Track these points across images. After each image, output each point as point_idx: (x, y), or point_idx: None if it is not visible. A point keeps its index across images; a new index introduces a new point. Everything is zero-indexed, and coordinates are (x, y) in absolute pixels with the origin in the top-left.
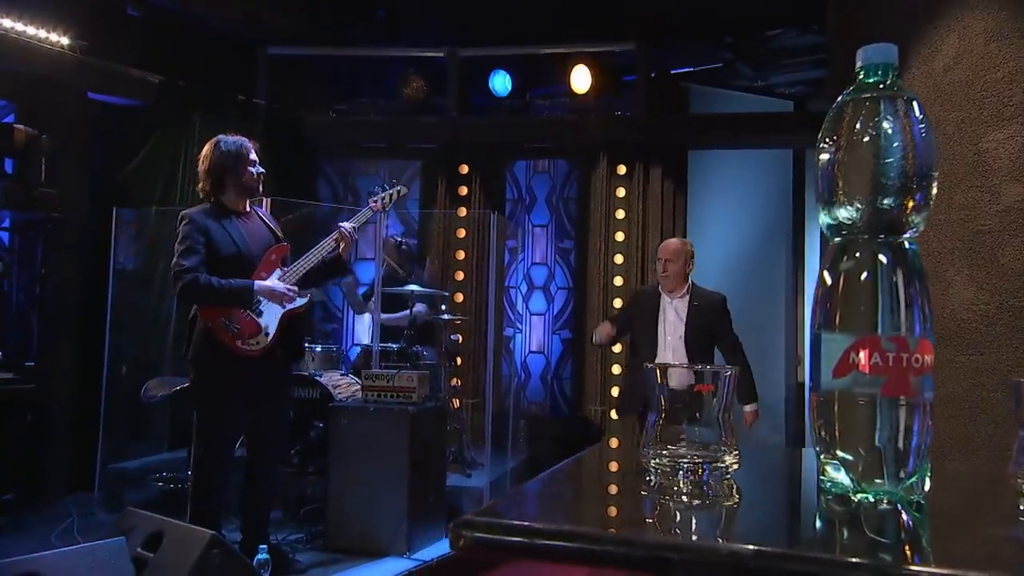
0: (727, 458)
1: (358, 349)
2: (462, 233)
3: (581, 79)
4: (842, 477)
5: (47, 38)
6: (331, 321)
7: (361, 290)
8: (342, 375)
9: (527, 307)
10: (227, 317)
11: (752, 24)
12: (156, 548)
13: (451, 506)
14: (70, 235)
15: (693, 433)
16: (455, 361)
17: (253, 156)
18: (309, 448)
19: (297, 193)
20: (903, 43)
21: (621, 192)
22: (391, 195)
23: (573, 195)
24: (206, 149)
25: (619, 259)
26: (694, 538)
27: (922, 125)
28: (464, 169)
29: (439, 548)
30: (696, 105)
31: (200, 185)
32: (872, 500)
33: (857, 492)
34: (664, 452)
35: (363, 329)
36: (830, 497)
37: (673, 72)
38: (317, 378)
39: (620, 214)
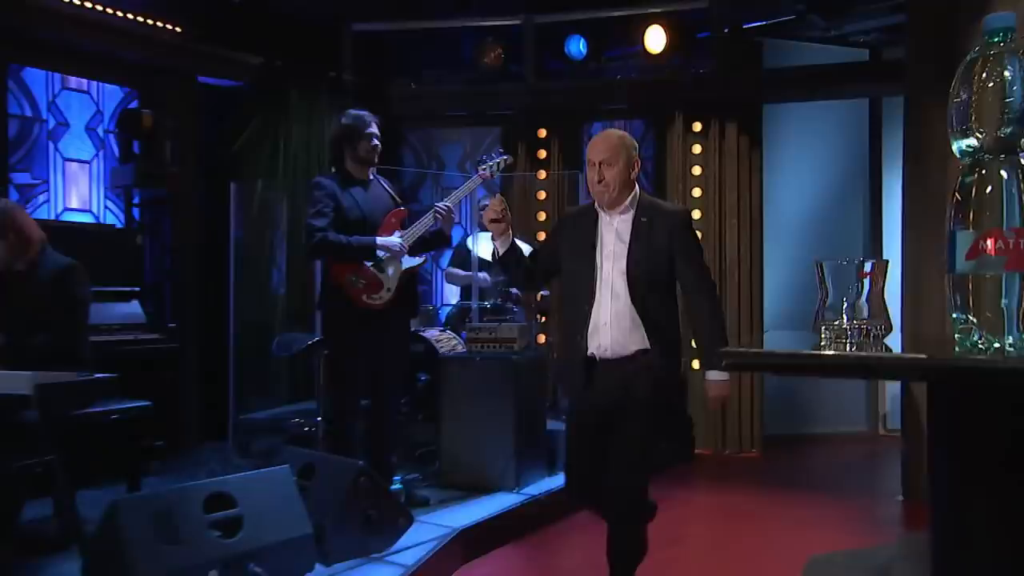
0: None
1: (448, 308)
2: (543, 195)
3: (655, 39)
4: (974, 336)
5: (163, 28)
6: (421, 283)
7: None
8: (440, 331)
9: None
10: (354, 274)
11: None
12: (310, 477)
13: (550, 448)
14: (192, 209)
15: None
16: (541, 318)
17: (371, 130)
18: (418, 397)
19: (384, 162)
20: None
21: (697, 149)
22: (498, 163)
23: (649, 153)
24: (342, 123)
25: (696, 214)
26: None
27: None
28: (543, 133)
29: (544, 484)
30: (770, 58)
31: (328, 149)
32: (997, 347)
33: (987, 347)
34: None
35: (451, 290)
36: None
37: (746, 27)
38: (421, 333)
39: (696, 170)
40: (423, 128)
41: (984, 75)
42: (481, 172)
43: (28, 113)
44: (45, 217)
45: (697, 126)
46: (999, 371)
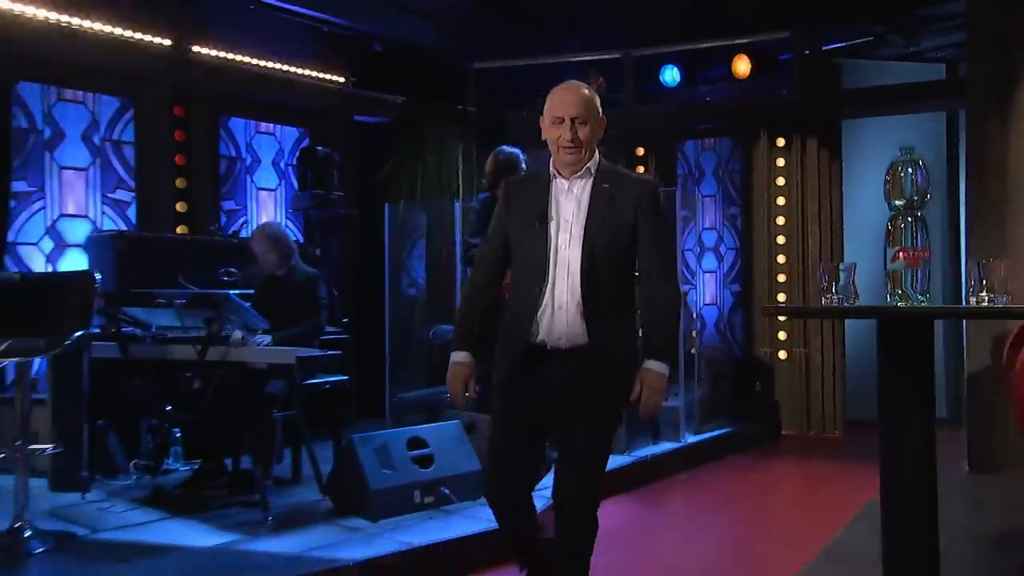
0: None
1: None
2: None
3: (741, 66)
4: (895, 299)
5: (328, 79)
6: None
7: None
8: None
9: (700, 266)
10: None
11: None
12: (472, 432)
13: (657, 424)
14: (353, 227)
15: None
16: None
17: (522, 166)
18: None
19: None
20: None
21: (780, 162)
22: None
23: (737, 168)
24: (490, 156)
25: (780, 220)
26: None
27: None
28: (640, 151)
29: (647, 450)
30: (849, 76)
31: (485, 180)
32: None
33: (900, 302)
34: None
35: None
36: None
37: (826, 48)
38: None
39: (780, 181)
40: (535, 151)
41: (896, 172)
42: None
43: (232, 153)
44: (244, 235)
45: (780, 142)
46: (902, 311)
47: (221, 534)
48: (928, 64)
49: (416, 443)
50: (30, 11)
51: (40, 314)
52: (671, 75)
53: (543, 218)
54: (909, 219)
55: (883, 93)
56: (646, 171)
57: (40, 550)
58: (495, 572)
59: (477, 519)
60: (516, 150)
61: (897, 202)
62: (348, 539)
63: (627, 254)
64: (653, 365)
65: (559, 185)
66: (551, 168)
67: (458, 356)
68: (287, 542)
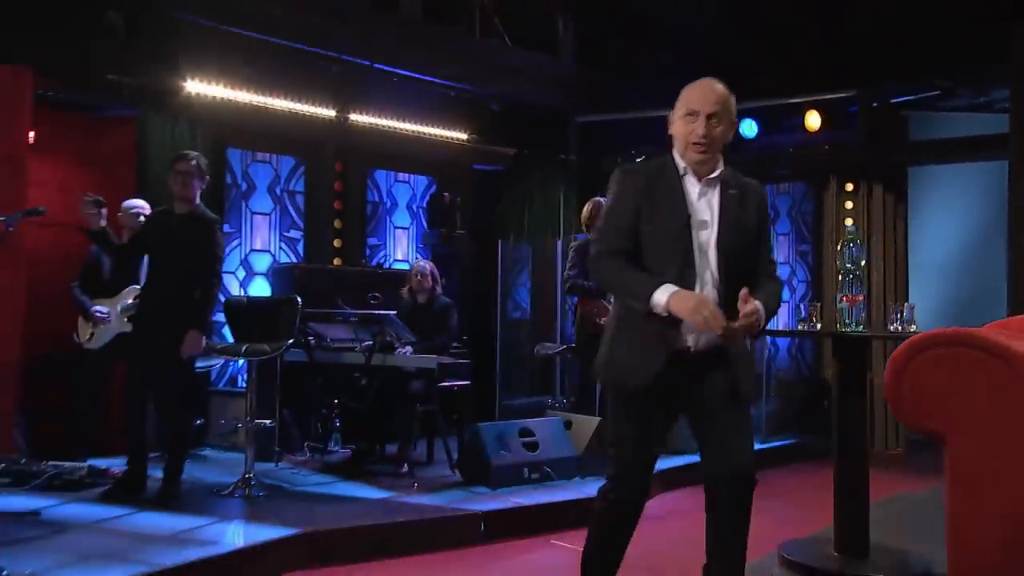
0: None
1: None
2: None
3: (813, 120)
4: (843, 327)
5: (453, 137)
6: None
7: None
8: None
9: None
10: (595, 306)
11: (966, 59)
12: (569, 428)
13: None
14: (471, 259)
15: None
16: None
17: None
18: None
19: None
20: None
21: (849, 204)
22: None
23: (809, 209)
24: (588, 203)
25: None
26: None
27: None
28: None
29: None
30: (918, 126)
31: (584, 224)
32: None
33: (844, 328)
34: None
35: None
36: None
37: (894, 101)
38: None
39: (848, 221)
40: None
41: (842, 245)
42: None
43: (376, 199)
44: (386, 266)
45: (849, 187)
46: (845, 335)
47: (380, 491)
48: (997, 115)
49: (526, 432)
50: (234, 95)
51: (265, 327)
52: (749, 128)
53: (687, 221)
54: (850, 277)
55: (941, 146)
56: None
57: (260, 494)
58: (581, 530)
59: (569, 491)
60: (601, 199)
61: (846, 265)
62: (475, 498)
63: (751, 255)
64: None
65: (691, 185)
66: (679, 165)
67: (668, 289)
68: (429, 499)
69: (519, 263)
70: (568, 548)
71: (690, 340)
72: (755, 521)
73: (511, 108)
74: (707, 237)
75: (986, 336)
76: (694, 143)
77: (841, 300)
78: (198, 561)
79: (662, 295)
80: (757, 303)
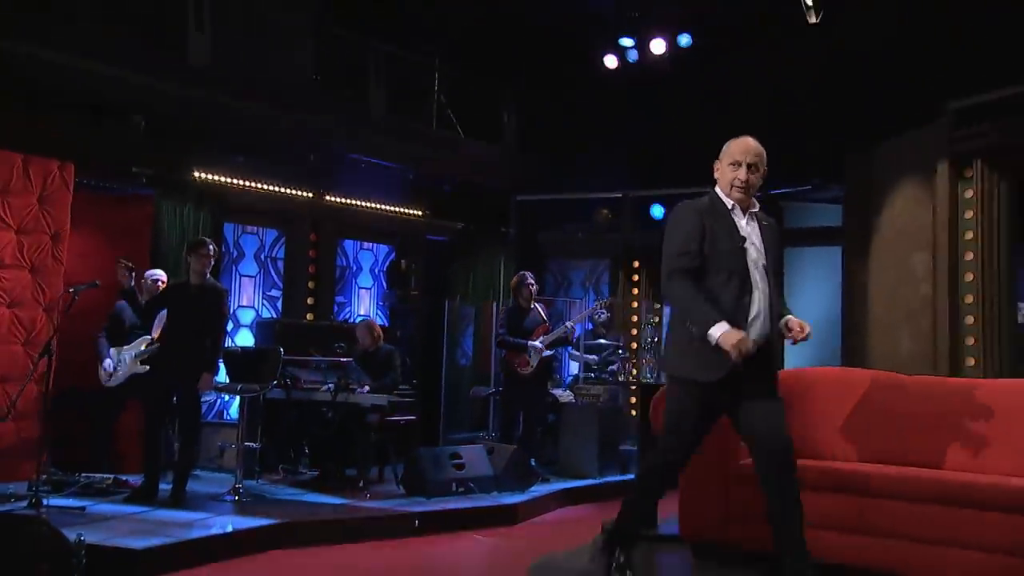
0: None
1: (568, 377)
2: (635, 304)
3: None
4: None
5: (410, 212)
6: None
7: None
8: (562, 391)
9: None
10: (517, 357)
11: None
12: (491, 453)
13: (623, 458)
14: (423, 316)
15: None
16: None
17: (529, 282)
18: (546, 426)
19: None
20: None
21: None
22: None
23: None
24: (515, 276)
25: None
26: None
27: None
28: (636, 264)
29: (616, 476)
30: (793, 215)
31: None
32: None
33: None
34: None
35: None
36: None
37: (772, 192)
38: (552, 391)
39: None
40: (560, 260)
41: (594, 311)
42: (596, 308)
43: (344, 264)
44: (350, 320)
45: None
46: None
47: (341, 499)
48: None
49: (455, 456)
50: (229, 180)
51: (255, 370)
52: (659, 210)
53: (742, 243)
54: (599, 332)
55: (797, 233)
56: (639, 280)
57: (247, 499)
58: (496, 530)
59: (486, 500)
60: (525, 272)
61: (597, 326)
62: (413, 504)
63: (780, 274)
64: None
65: (737, 217)
66: (726, 201)
67: (723, 325)
68: (378, 504)
69: (465, 319)
70: (484, 540)
71: (755, 333)
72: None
73: (461, 188)
74: (756, 256)
75: None
76: (736, 185)
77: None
78: (207, 537)
79: (716, 331)
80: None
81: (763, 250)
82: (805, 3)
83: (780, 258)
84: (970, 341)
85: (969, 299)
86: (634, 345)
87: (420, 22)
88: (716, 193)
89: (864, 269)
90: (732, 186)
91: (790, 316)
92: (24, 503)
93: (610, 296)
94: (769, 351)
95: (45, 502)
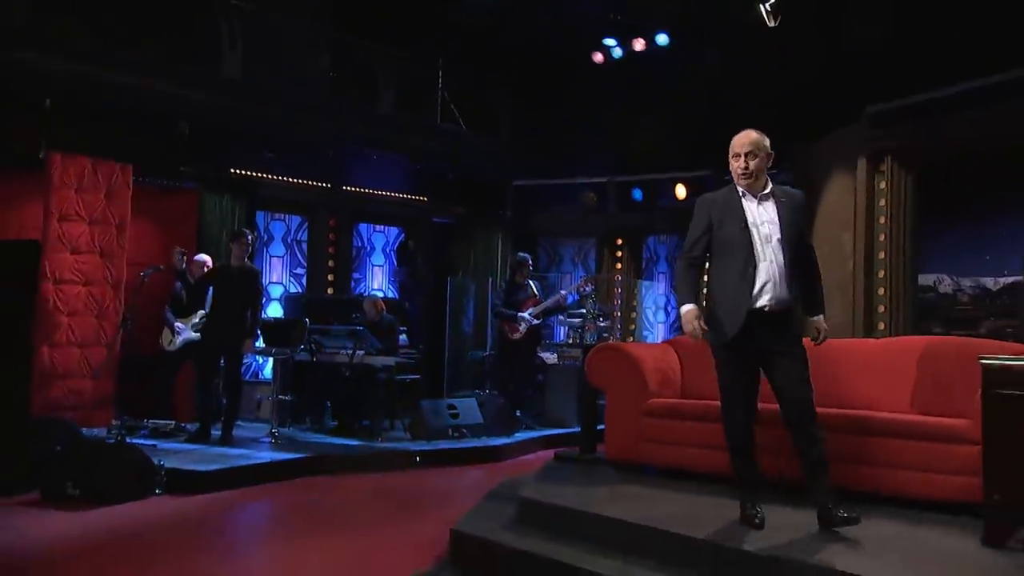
0: None
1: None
2: (619, 277)
3: (680, 191)
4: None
5: (416, 198)
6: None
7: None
8: (549, 354)
9: (656, 319)
10: (508, 325)
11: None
12: (482, 405)
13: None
14: (429, 290)
15: None
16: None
17: (528, 263)
18: (536, 384)
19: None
20: None
21: None
22: (581, 287)
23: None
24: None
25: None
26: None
27: None
28: (620, 241)
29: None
30: None
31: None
32: None
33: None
34: None
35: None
36: None
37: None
38: (540, 354)
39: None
40: (551, 239)
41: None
42: (583, 283)
43: (359, 244)
44: (365, 294)
45: None
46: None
47: (358, 442)
48: None
49: (451, 407)
50: (260, 175)
51: (286, 337)
52: (639, 194)
53: (746, 223)
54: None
55: None
56: (622, 256)
57: (281, 440)
58: (482, 465)
59: (476, 443)
60: (524, 255)
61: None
62: (417, 445)
63: (801, 242)
64: (821, 319)
65: (748, 201)
66: (737, 190)
67: (689, 306)
68: (387, 444)
69: (467, 293)
70: (475, 474)
71: (762, 301)
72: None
73: (462, 175)
74: (768, 232)
75: (620, 345)
76: (739, 174)
77: (587, 328)
78: (254, 465)
79: (683, 311)
80: (823, 326)
81: (779, 225)
82: (765, 9)
83: (796, 226)
84: (881, 309)
85: (881, 273)
86: (618, 313)
87: (424, 27)
88: (733, 183)
89: None
90: (737, 175)
91: (815, 320)
92: (112, 440)
93: (596, 270)
94: (787, 313)
95: (127, 440)
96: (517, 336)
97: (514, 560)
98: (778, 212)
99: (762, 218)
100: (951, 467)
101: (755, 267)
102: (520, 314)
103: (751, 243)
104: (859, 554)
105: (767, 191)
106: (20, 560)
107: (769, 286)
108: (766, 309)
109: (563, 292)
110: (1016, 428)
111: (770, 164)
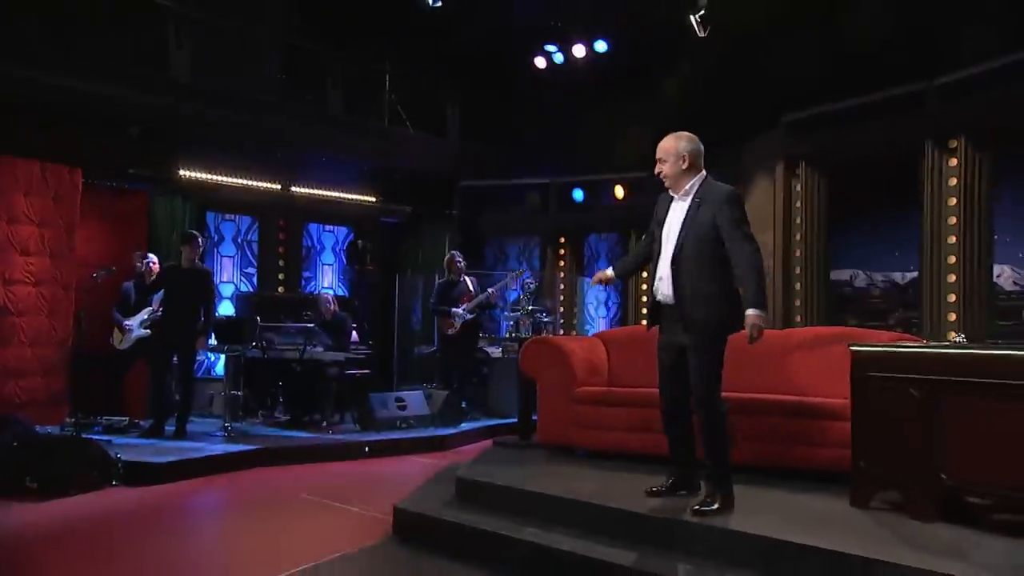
0: None
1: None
2: (562, 274)
3: (619, 191)
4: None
5: (365, 199)
6: (491, 321)
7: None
8: (493, 348)
9: (597, 314)
10: (444, 321)
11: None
12: (430, 397)
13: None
14: (378, 288)
15: None
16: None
17: (458, 261)
18: (478, 375)
19: (474, 261)
20: None
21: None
22: (518, 276)
23: (620, 254)
24: (447, 255)
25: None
26: None
27: None
28: (562, 240)
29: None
30: None
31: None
32: None
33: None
34: None
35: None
36: None
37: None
38: (484, 348)
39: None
40: (497, 238)
41: (514, 276)
42: (511, 278)
43: (309, 244)
44: (315, 292)
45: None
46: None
47: (306, 435)
48: None
49: (399, 400)
50: (210, 176)
51: (237, 333)
52: (579, 195)
53: (660, 224)
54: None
55: None
56: (564, 254)
57: (234, 434)
58: (429, 454)
59: (423, 433)
60: (454, 252)
61: (526, 293)
62: (365, 435)
63: (708, 240)
64: (751, 312)
65: (675, 202)
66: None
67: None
68: (336, 436)
69: (414, 291)
70: (421, 462)
71: (659, 296)
72: None
73: (410, 176)
74: (668, 231)
75: (550, 338)
76: (659, 178)
77: (524, 323)
78: (208, 456)
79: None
80: (749, 321)
81: (680, 225)
82: (695, 20)
83: (706, 225)
84: (797, 303)
85: (798, 270)
86: (562, 308)
87: (372, 31)
88: None
89: None
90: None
91: (746, 315)
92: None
93: (540, 267)
94: (678, 306)
95: (82, 435)
96: (452, 331)
97: (450, 532)
98: (687, 212)
99: (673, 217)
100: (829, 441)
101: (656, 263)
102: (454, 310)
103: (659, 241)
104: (745, 515)
105: (687, 191)
106: None
107: (662, 283)
108: (663, 303)
109: (491, 289)
110: (878, 404)
111: (686, 166)
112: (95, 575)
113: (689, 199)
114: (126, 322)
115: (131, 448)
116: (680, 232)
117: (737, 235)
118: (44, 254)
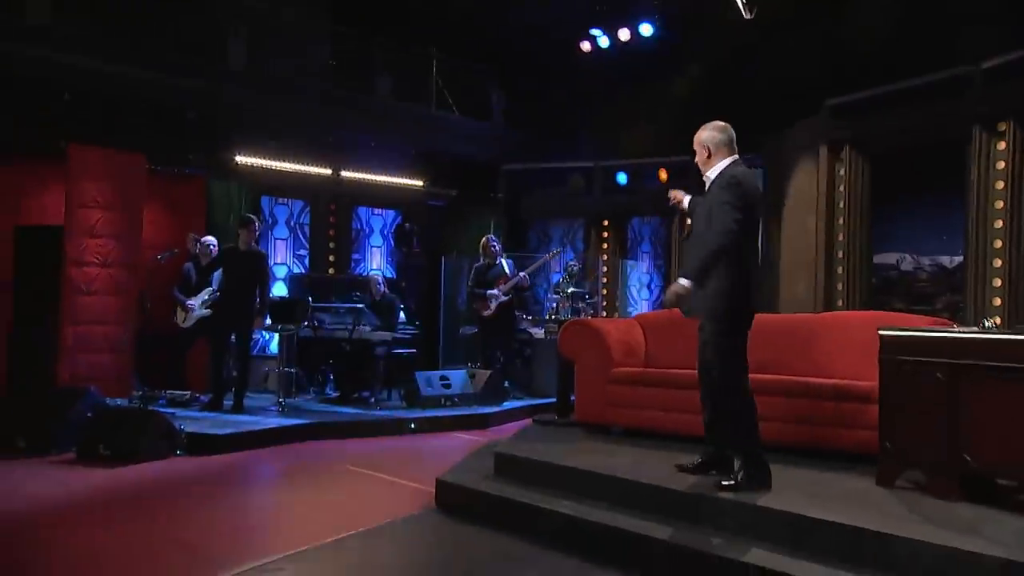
0: None
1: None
2: (606, 256)
3: (663, 175)
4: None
5: (413, 183)
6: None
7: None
8: (536, 329)
9: (640, 296)
10: (479, 303)
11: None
12: (473, 376)
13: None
14: (425, 270)
15: None
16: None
17: (493, 246)
18: (518, 356)
19: (517, 244)
20: None
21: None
22: (553, 255)
23: (663, 235)
24: (483, 239)
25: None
26: None
27: None
28: (606, 223)
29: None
30: None
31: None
32: None
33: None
34: None
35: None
36: None
37: None
38: (528, 329)
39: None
40: (540, 220)
41: (568, 267)
42: (547, 259)
43: (358, 227)
44: (364, 274)
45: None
46: (562, 320)
47: (355, 411)
48: None
49: (444, 378)
50: (265, 163)
51: (291, 314)
52: (623, 178)
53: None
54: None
55: None
56: (608, 236)
57: (287, 409)
58: (471, 431)
59: (467, 410)
60: (489, 236)
61: (571, 275)
62: (411, 413)
63: (707, 224)
64: (681, 280)
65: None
66: None
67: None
68: (384, 412)
69: (460, 272)
70: (463, 438)
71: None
72: None
73: (456, 160)
74: (695, 219)
75: (588, 320)
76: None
77: (563, 305)
78: (264, 429)
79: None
80: (671, 286)
81: (695, 215)
82: (740, 2)
83: (706, 212)
84: (839, 286)
85: (840, 254)
86: (605, 291)
87: (418, 17)
88: None
89: (777, 228)
90: None
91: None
92: (136, 407)
93: (584, 250)
94: (691, 297)
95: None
96: (487, 313)
97: (489, 503)
98: (704, 201)
99: (699, 207)
100: (860, 423)
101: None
102: (490, 292)
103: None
104: (774, 493)
105: (709, 179)
106: (65, 507)
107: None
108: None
109: (523, 273)
110: (905, 387)
111: (708, 155)
112: (171, 533)
113: (707, 187)
114: (188, 301)
115: (192, 420)
116: (694, 222)
117: (719, 218)
118: (111, 236)
